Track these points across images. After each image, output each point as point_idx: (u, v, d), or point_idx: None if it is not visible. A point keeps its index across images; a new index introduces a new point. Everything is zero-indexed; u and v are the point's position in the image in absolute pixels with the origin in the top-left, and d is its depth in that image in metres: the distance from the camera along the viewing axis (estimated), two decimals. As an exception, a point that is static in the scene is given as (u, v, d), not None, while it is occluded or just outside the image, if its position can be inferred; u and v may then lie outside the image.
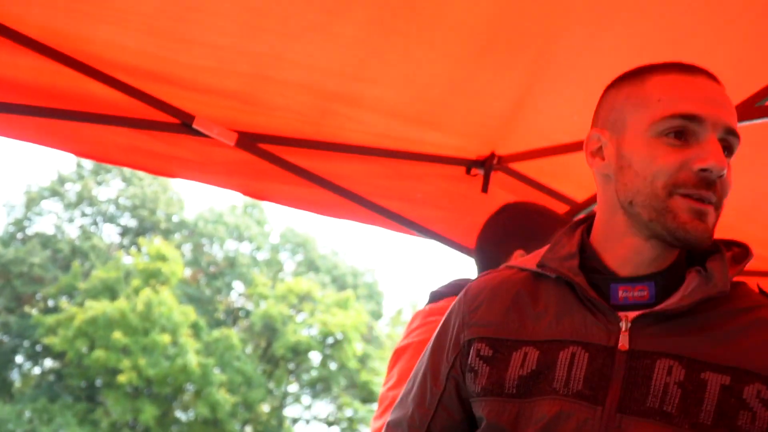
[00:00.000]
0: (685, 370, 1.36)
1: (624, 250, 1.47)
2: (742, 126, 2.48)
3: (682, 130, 1.39)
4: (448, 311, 1.67)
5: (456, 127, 3.14)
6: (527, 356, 1.47)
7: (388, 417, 1.72)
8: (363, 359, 27.95)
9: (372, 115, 3.02)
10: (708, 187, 1.37)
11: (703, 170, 1.36)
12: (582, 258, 1.51)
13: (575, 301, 1.48)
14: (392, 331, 32.81)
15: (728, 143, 1.42)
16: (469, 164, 3.28)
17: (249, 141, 2.93)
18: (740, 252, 1.49)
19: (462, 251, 3.44)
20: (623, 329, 1.41)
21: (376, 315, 32.98)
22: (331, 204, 3.17)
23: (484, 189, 3.27)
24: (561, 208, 3.32)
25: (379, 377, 24.48)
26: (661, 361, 1.38)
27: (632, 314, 1.43)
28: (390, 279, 54.39)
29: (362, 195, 3.18)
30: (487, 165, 3.25)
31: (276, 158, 2.99)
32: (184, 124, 2.81)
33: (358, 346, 27.66)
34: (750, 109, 2.29)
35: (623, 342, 1.40)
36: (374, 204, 3.20)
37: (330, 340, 28.17)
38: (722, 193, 1.40)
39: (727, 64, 2.70)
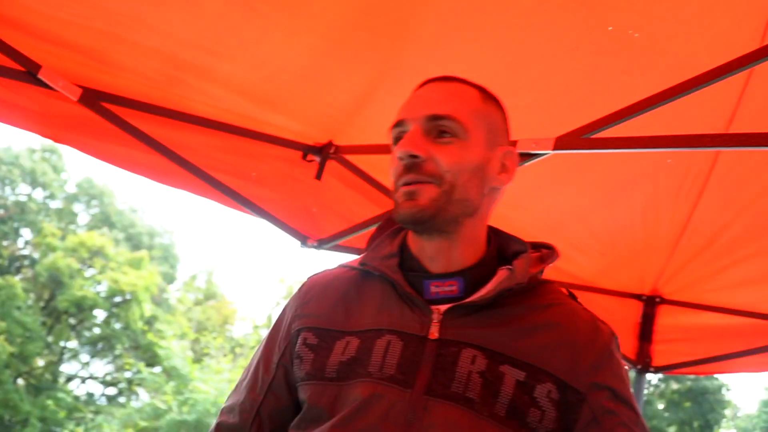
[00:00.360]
0: (487, 361, 1.50)
1: (415, 245, 1.64)
2: (569, 154, 2.73)
3: (398, 136, 1.60)
4: (285, 305, 1.79)
5: (299, 112, 3.22)
6: (349, 344, 1.59)
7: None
8: (150, 321, 27.45)
9: (219, 90, 3.04)
10: (409, 171, 1.53)
11: (400, 158, 1.55)
12: (403, 258, 1.66)
13: (395, 296, 1.62)
14: (184, 296, 32.41)
15: (440, 126, 1.57)
16: (306, 150, 3.37)
17: (93, 98, 2.89)
18: (548, 253, 1.68)
19: (290, 233, 3.54)
20: (435, 320, 1.55)
21: (170, 278, 32.45)
22: (167, 172, 3.17)
23: (318, 176, 3.37)
24: (388, 204, 3.46)
25: (165, 341, 24.08)
26: (466, 350, 1.51)
27: (444, 307, 1.56)
28: (187, 243, 53.54)
29: (199, 166, 3.19)
30: (324, 153, 3.36)
31: (117, 119, 2.96)
32: (29, 72, 2.74)
33: (146, 308, 27.15)
34: (577, 139, 2.51)
35: (434, 332, 1.54)
36: (210, 176, 3.22)
37: (117, 299, 27.48)
38: (436, 170, 1.54)
39: (561, 93, 2.93)
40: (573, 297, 1.68)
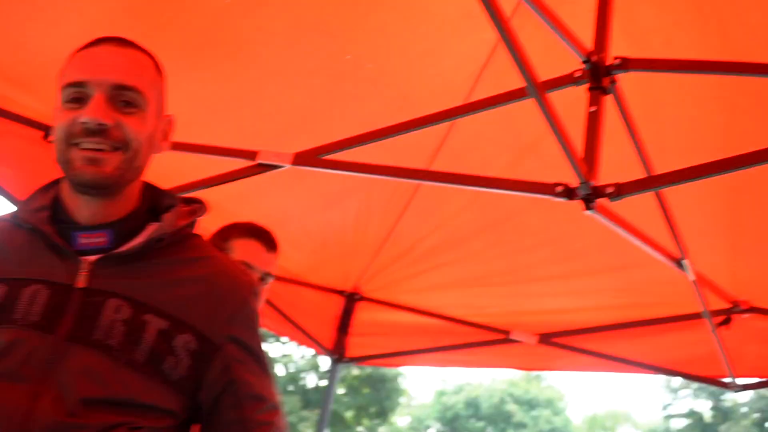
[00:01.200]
0: (131, 310, 1.58)
1: (71, 201, 1.66)
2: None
3: (76, 96, 1.62)
4: None
5: (47, 94, 3.28)
6: None
7: None
8: None
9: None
10: (92, 135, 1.58)
11: (83, 122, 1.58)
12: (55, 211, 1.69)
13: (45, 247, 1.66)
14: None
15: (124, 96, 1.63)
16: (49, 130, 3.41)
17: None
18: (198, 207, 1.79)
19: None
20: (83, 270, 1.62)
21: None
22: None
23: (59, 158, 3.44)
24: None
25: None
26: (111, 300, 1.58)
27: (94, 258, 1.63)
28: None
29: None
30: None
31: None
32: None
33: None
34: (312, 158, 2.81)
35: (80, 281, 1.60)
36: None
37: None
38: (124, 138, 1.61)
39: (297, 110, 3.23)
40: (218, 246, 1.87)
